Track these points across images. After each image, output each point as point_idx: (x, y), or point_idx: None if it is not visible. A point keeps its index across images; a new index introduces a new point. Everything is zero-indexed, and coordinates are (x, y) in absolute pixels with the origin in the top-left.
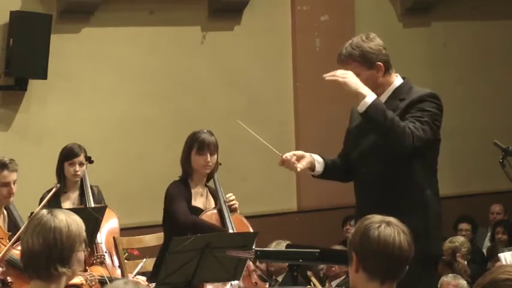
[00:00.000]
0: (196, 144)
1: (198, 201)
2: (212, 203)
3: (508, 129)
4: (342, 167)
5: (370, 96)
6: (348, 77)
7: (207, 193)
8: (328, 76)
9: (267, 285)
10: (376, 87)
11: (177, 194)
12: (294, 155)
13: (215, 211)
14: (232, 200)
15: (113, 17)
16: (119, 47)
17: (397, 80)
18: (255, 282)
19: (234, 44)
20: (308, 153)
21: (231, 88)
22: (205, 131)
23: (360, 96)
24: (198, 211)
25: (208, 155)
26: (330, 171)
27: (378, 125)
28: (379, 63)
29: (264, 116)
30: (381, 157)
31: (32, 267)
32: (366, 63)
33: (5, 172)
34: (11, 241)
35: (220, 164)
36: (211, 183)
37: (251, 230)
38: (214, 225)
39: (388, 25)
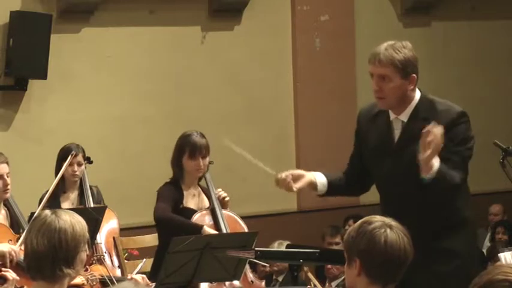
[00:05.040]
0: (188, 149)
1: (190, 203)
2: (205, 202)
3: (508, 129)
4: (348, 184)
5: (436, 164)
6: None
7: (199, 193)
8: (430, 137)
9: (263, 284)
10: (401, 99)
11: (163, 194)
12: (291, 174)
13: (208, 211)
14: (222, 195)
15: (113, 17)
16: (119, 47)
17: (416, 95)
18: (251, 281)
19: (234, 44)
20: (310, 173)
21: (231, 88)
22: (196, 133)
23: (431, 166)
24: (191, 212)
25: (201, 160)
26: (336, 190)
27: (442, 187)
28: (414, 75)
29: (264, 116)
30: (420, 179)
31: (36, 268)
32: (402, 71)
33: None
34: (19, 242)
35: (212, 163)
36: (203, 183)
37: (245, 228)
38: (188, 221)
39: (388, 25)
